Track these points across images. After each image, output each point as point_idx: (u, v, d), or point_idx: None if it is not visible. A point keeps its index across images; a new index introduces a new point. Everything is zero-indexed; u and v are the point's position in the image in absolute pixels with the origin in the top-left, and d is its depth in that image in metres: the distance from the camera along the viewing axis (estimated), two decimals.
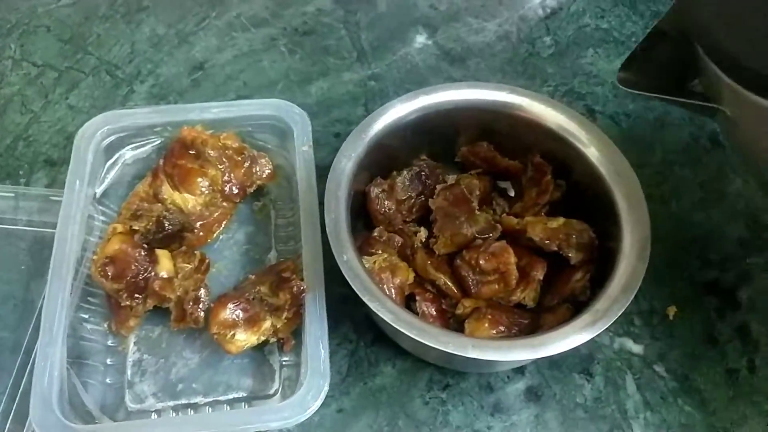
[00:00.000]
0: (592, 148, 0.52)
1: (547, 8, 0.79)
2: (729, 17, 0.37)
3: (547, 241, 0.50)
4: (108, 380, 0.51)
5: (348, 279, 0.45)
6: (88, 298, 0.53)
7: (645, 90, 0.45)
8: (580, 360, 0.54)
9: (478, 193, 0.53)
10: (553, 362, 0.54)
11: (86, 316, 0.52)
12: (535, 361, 0.53)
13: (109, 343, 0.53)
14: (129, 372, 0.52)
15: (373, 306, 0.44)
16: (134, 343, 0.53)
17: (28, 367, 0.49)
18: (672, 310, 0.56)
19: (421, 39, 0.75)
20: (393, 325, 0.43)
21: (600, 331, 0.44)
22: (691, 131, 0.68)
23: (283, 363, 0.52)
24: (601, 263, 0.50)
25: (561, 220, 0.51)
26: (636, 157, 0.52)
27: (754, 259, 0.60)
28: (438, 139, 0.56)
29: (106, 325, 0.53)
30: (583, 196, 0.53)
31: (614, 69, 0.72)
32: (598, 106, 0.70)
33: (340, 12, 0.77)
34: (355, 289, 0.44)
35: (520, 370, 0.53)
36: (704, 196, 0.63)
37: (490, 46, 0.75)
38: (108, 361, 0.52)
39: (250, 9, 0.77)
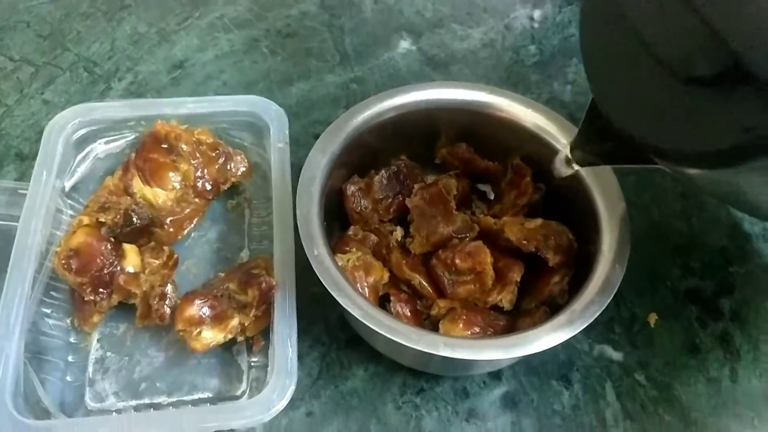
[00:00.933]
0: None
1: (532, 18, 0.79)
2: (620, 106, 0.38)
3: (524, 242, 0.49)
4: (68, 378, 0.49)
5: (318, 274, 0.43)
6: (51, 293, 0.51)
7: (602, 162, 0.45)
8: (559, 366, 0.52)
9: (456, 193, 0.52)
10: (531, 368, 0.52)
11: (48, 311, 0.51)
12: (512, 367, 0.52)
13: (71, 339, 0.51)
14: (90, 370, 0.50)
15: (342, 302, 0.42)
16: (97, 340, 0.51)
17: None
18: (653, 318, 0.55)
19: (405, 44, 0.75)
20: (362, 320, 0.41)
21: (577, 331, 0.42)
22: None
23: (252, 364, 0.50)
24: (580, 267, 0.49)
25: (539, 221, 0.50)
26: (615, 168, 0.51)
27: (736, 269, 0.59)
28: (417, 138, 0.55)
29: (68, 321, 0.51)
30: (562, 198, 0.52)
31: None
32: (581, 114, 0.69)
33: (324, 16, 0.77)
34: (324, 284, 0.43)
35: (496, 375, 0.52)
36: (685, 205, 0.62)
37: (474, 53, 0.75)
38: (69, 358, 0.50)
39: (233, 10, 0.76)
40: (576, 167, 0.46)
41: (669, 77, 0.34)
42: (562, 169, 0.47)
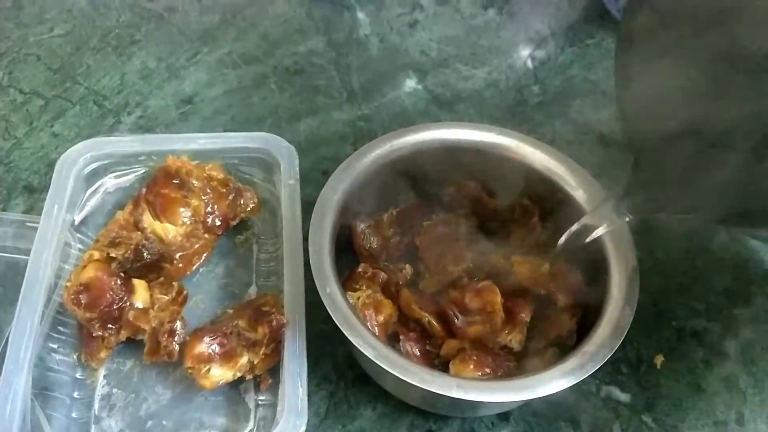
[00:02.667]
0: (580, 191, 0.52)
1: (535, 58, 0.80)
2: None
3: (534, 283, 0.49)
4: (74, 414, 0.48)
5: (330, 312, 0.43)
6: (59, 328, 0.51)
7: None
8: (566, 408, 0.52)
9: (465, 232, 0.53)
10: (539, 409, 0.52)
11: (55, 346, 0.50)
12: (520, 408, 0.52)
13: (78, 375, 0.50)
14: (96, 406, 0.49)
15: (355, 341, 0.42)
16: (104, 376, 0.51)
17: None
18: (659, 359, 0.55)
19: (411, 83, 0.76)
20: (375, 361, 0.41)
21: (587, 374, 0.42)
22: None
23: (259, 402, 0.50)
24: (588, 307, 0.49)
25: (548, 261, 0.50)
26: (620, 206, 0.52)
27: (740, 310, 0.59)
28: (427, 177, 0.56)
29: (75, 357, 0.51)
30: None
31: (601, 119, 0.74)
32: (584, 154, 0.70)
33: (331, 53, 0.78)
34: (336, 322, 0.43)
35: (504, 416, 0.51)
36: (690, 245, 0.63)
37: (478, 93, 0.76)
38: (75, 395, 0.49)
39: (241, 47, 0.77)
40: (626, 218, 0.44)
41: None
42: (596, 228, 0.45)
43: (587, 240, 0.46)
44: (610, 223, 0.45)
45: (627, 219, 0.45)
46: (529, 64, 0.80)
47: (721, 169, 0.36)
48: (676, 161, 0.40)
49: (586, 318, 0.49)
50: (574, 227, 0.47)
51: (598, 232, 0.45)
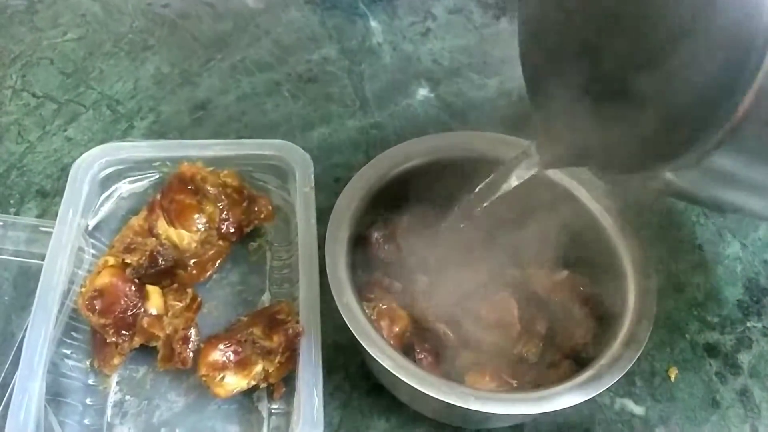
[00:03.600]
0: (595, 203, 0.52)
1: None
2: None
3: (550, 294, 0.49)
4: (86, 421, 0.48)
5: (347, 322, 0.43)
6: (72, 333, 0.51)
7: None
8: (581, 420, 0.52)
9: (480, 241, 0.53)
10: (553, 421, 0.52)
11: (68, 352, 0.50)
12: (534, 419, 0.51)
13: (90, 381, 0.50)
14: (109, 413, 0.49)
15: (372, 351, 0.42)
16: (116, 383, 0.51)
17: (3, 401, 0.46)
18: (673, 372, 0.55)
19: (423, 92, 0.76)
20: (393, 372, 0.41)
21: (605, 388, 0.42)
22: None
23: (273, 411, 0.50)
24: (604, 320, 0.49)
25: (564, 273, 0.50)
26: (633, 218, 0.52)
27: (753, 323, 0.59)
28: (443, 185, 0.56)
29: (88, 363, 0.51)
30: (586, 250, 0.53)
31: None
32: None
33: (344, 61, 0.78)
34: (354, 332, 0.43)
35: (519, 428, 0.51)
36: (702, 257, 0.63)
37: (491, 102, 0.76)
38: (87, 401, 0.49)
39: (255, 53, 0.78)
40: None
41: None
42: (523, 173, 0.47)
43: (498, 194, 0.47)
44: (524, 173, 0.46)
45: (539, 169, 0.46)
46: None
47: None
48: (565, 90, 0.41)
49: (603, 330, 0.48)
50: (489, 178, 0.48)
51: (511, 182, 0.47)
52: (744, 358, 0.57)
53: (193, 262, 0.55)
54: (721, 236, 0.65)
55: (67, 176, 0.55)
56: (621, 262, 0.49)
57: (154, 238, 0.53)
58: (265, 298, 0.56)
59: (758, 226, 0.65)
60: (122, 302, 0.49)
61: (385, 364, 0.41)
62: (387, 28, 0.82)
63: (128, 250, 0.51)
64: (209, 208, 0.56)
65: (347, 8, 0.84)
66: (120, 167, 0.57)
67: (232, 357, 0.48)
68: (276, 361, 0.48)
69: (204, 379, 0.47)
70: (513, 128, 0.73)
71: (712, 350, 0.57)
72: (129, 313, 0.49)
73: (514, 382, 0.47)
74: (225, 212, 0.56)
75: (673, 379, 0.55)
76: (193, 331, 0.50)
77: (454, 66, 0.79)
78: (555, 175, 0.53)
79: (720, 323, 0.59)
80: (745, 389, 0.55)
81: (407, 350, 0.50)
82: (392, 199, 0.55)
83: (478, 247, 0.52)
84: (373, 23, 0.82)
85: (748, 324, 0.59)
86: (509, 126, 0.73)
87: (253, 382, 0.48)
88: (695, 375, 0.55)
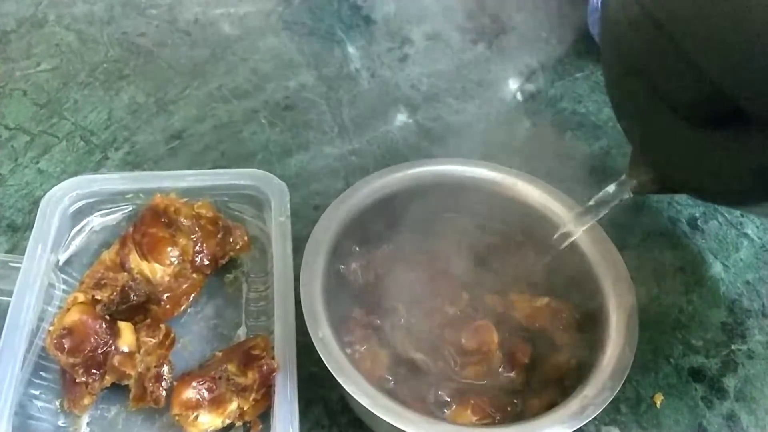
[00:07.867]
0: (575, 227, 0.51)
1: (525, 92, 0.80)
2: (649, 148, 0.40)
3: (532, 321, 0.48)
4: None
5: (323, 358, 0.42)
6: (41, 373, 0.49)
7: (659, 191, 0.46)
8: None
9: (460, 268, 0.52)
10: None
11: (37, 393, 0.48)
12: None
13: (60, 423, 0.48)
14: None
15: (349, 389, 0.41)
16: (87, 423, 0.49)
17: None
18: (659, 398, 0.54)
19: (402, 117, 0.76)
20: (370, 410, 0.40)
21: (589, 419, 0.41)
22: (669, 215, 0.68)
23: None
24: (587, 346, 0.48)
25: (545, 299, 0.50)
26: (615, 239, 0.52)
27: (738, 346, 0.58)
28: (419, 213, 0.55)
29: (58, 404, 0.49)
30: (566, 275, 0.52)
31: (592, 152, 0.74)
32: (578, 188, 0.69)
33: (322, 88, 0.78)
34: (330, 369, 0.42)
35: None
36: (685, 279, 0.63)
37: (469, 127, 0.76)
38: None
39: (232, 81, 0.77)
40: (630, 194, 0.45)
41: (682, 122, 0.34)
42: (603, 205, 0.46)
43: (565, 244, 0.48)
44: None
45: (630, 196, 0.45)
46: (519, 97, 0.80)
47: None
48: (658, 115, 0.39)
49: (586, 357, 0.48)
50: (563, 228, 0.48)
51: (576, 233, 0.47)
52: (730, 382, 0.56)
53: (167, 297, 0.53)
54: (703, 258, 0.64)
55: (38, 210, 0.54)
56: (602, 287, 0.48)
57: (125, 273, 0.52)
58: (242, 332, 0.54)
59: (739, 247, 0.65)
60: (92, 340, 0.48)
61: (364, 402, 0.40)
62: (365, 54, 0.82)
63: (99, 285, 0.50)
64: (183, 240, 0.54)
65: (325, 34, 0.84)
66: (92, 200, 0.56)
67: (206, 395, 0.46)
68: (251, 398, 0.46)
69: (177, 418, 0.46)
70: (492, 153, 0.73)
71: (697, 374, 0.56)
72: (99, 351, 0.48)
73: (498, 415, 0.46)
74: (199, 244, 0.55)
75: (658, 405, 0.54)
76: (166, 368, 0.48)
77: (432, 91, 0.79)
78: (530, 199, 0.53)
79: (704, 346, 0.58)
80: (732, 413, 0.54)
81: (387, 381, 0.49)
82: (371, 227, 0.54)
83: (457, 274, 0.52)
84: (351, 49, 0.82)
85: (733, 347, 0.58)
86: (488, 151, 0.73)
87: (228, 421, 0.47)
88: (681, 400, 0.54)
